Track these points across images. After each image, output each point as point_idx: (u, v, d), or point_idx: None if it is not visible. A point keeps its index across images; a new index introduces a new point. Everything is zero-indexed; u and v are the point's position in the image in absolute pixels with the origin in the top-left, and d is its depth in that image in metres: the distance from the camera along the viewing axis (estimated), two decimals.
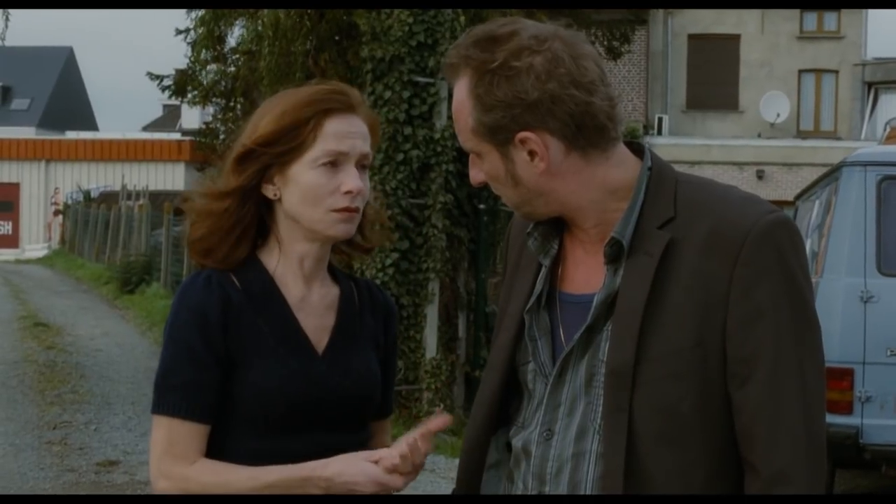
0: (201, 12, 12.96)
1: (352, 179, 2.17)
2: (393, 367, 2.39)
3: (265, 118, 2.19)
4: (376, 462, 2.08)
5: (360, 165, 2.21)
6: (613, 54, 18.38)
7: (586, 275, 1.96)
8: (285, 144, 2.17)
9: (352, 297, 2.31)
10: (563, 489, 1.90)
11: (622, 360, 1.85)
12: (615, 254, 1.90)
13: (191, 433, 2.13)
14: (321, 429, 2.18)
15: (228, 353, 2.15)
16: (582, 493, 1.88)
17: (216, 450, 2.14)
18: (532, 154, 1.89)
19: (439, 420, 2.08)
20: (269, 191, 2.21)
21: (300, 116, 2.17)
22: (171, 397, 2.14)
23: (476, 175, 1.98)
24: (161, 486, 2.14)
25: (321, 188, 2.16)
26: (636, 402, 1.84)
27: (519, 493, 1.97)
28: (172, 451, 2.12)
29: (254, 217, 2.22)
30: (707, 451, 1.85)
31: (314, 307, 2.25)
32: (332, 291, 2.29)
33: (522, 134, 1.87)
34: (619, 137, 1.93)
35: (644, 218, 1.90)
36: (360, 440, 2.23)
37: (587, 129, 1.88)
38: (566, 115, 1.86)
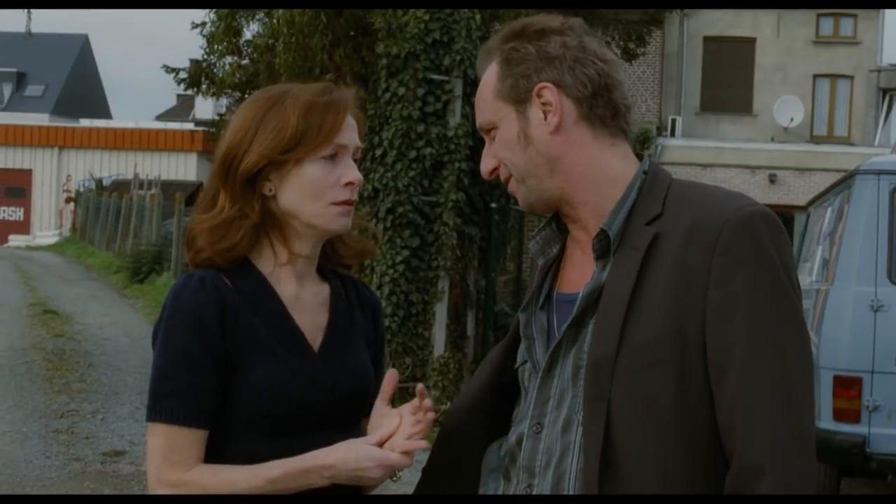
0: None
1: (351, 171, 2.18)
2: (383, 362, 2.38)
3: (272, 125, 2.15)
4: (380, 445, 2.08)
5: (353, 158, 2.21)
6: (629, 55, 18.36)
7: (580, 274, 1.99)
8: (297, 150, 2.14)
9: (342, 295, 2.30)
10: (549, 482, 1.91)
11: (604, 351, 1.86)
12: (604, 248, 1.93)
13: (190, 439, 2.09)
14: (319, 427, 2.15)
15: (227, 355, 2.11)
16: (566, 485, 1.89)
17: (216, 453, 2.11)
18: (546, 111, 1.95)
19: (389, 381, 2.15)
20: (264, 187, 2.17)
21: (318, 121, 2.15)
22: (169, 403, 2.09)
23: (488, 164, 2.03)
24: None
25: (322, 181, 2.15)
26: (615, 392, 1.85)
27: (512, 488, 1.99)
28: (171, 459, 2.08)
29: (258, 212, 2.17)
30: (687, 443, 1.84)
31: (308, 305, 2.23)
32: (323, 289, 2.27)
33: (541, 84, 1.95)
34: (626, 134, 2.00)
35: (634, 216, 1.94)
36: (355, 437, 2.20)
37: (601, 99, 1.96)
38: (585, 77, 1.96)
